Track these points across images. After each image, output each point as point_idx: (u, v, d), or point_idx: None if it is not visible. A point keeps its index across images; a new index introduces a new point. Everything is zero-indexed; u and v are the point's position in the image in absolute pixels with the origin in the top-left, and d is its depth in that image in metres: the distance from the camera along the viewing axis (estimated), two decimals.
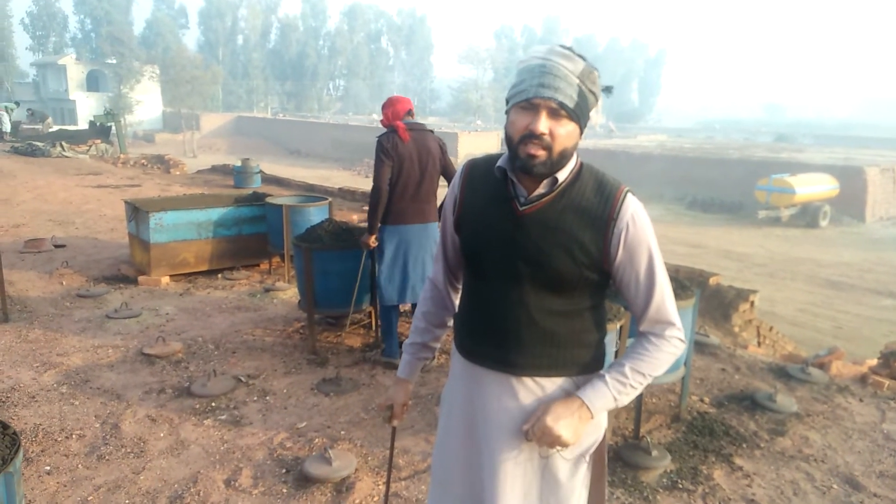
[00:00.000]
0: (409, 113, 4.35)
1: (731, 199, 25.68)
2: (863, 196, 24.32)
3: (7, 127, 24.34)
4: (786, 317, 11.75)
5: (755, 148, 37.18)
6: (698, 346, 4.96)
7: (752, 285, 9.53)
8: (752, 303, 7.58)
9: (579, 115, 1.47)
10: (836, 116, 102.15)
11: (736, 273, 14.69)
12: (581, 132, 1.51)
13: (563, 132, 1.47)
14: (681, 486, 3.17)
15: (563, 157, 1.50)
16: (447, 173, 4.41)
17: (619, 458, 3.35)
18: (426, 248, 4.36)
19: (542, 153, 1.47)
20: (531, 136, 1.46)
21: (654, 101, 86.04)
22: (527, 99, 1.46)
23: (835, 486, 3.23)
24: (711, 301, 7.42)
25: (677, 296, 3.52)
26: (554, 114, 1.46)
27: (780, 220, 23.03)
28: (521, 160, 1.50)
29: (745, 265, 16.44)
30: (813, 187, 23.34)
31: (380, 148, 4.23)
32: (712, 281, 7.59)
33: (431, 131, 4.42)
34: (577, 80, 1.45)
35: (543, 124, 1.46)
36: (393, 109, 4.32)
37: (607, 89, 1.54)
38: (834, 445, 3.62)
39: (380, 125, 4.51)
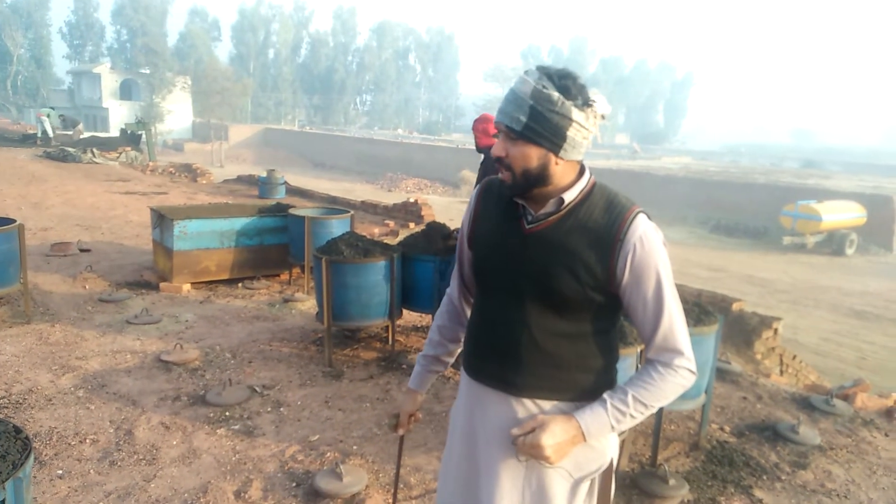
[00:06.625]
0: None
1: (755, 225, 25.38)
2: (891, 225, 23.86)
3: (50, 131, 24.92)
4: (809, 345, 11.51)
5: (781, 173, 36.75)
6: (720, 374, 4.86)
7: (774, 312, 9.35)
8: (776, 330, 7.44)
9: (532, 136, 1.46)
10: (865, 144, 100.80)
11: (758, 299, 14.45)
12: (547, 152, 1.47)
13: (518, 154, 1.50)
14: None
15: (529, 179, 1.52)
16: None
17: (635, 486, 3.28)
18: None
19: (506, 175, 1.54)
20: (497, 161, 1.55)
21: (680, 124, 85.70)
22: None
23: None
24: (734, 327, 7.30)
25: (700, 321, 3.46)
26: (508, 137, 1.51)
27: (806, 247, 22.71)
28: None
29: (768, 291, 16.18)
30: (840, 215, 22.98)
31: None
32: (735, 306, 7.47)
33: None
34: (530, 101, 1.45)
35: (499, 147, 1.53)
36: (484, 127, 4.24)
37: (585, 100, 1.45)
38: (857, 481, 3.52)
39: (405, 140, 4.50)
